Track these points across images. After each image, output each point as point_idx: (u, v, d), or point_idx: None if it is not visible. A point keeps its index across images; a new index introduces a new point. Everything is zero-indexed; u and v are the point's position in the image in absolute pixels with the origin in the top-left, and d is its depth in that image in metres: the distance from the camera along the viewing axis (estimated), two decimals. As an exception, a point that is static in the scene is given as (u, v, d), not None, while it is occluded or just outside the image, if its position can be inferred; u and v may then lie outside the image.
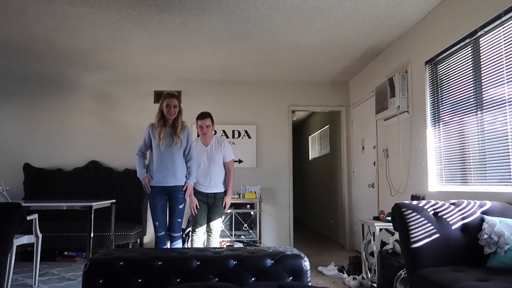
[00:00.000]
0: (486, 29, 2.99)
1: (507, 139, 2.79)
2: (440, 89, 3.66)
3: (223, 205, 4.07)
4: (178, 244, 3.66)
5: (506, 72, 2.79)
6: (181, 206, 3.65)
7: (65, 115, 6.08)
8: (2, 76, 5.99)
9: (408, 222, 2.40)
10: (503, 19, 2.80)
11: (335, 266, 4.38)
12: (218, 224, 4.09)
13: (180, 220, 3.65)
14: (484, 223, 2.36)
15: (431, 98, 3.81)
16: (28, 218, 3.41)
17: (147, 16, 3.91)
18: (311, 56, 5.11)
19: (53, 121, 6.06)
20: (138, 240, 5.49)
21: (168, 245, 3.72)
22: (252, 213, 5.60)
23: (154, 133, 3.62)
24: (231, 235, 5.51)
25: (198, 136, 4.15)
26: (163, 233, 3.63)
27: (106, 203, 4.37)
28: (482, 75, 3.06)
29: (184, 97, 6.04)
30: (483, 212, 2.48)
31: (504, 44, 2.82)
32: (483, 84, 3.05)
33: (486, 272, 2.11)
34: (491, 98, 2.97)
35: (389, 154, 4.73)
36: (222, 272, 1.84)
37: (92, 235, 3.86)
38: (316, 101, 6.31)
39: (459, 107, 3.36)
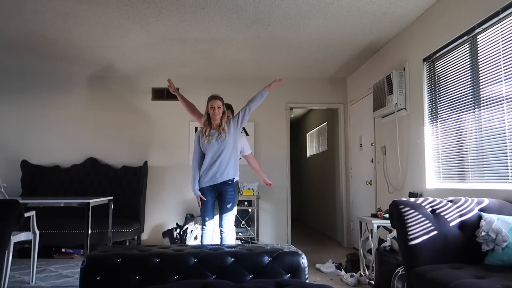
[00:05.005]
0: (483, 26, 2.99)
1: (505, 136, 2.79)
2: (438, 87, 3.66)
3: None
4: (227, 238, 3.81)
5: (504, 70, 2.79)
6: (228, 206, 3.78)
7: (63, 111, 6.06)
8: (-1, 72, 5.97)
9: (406, 219, 2.41)
10: (501, 16, 2.80)
11: (333, 263, 4.39)
12: None
13: (228, 217, 3.79)
14: (481, 220, 2.37)
15: (428, 95, 3.81)
16: (26, 215, 3.41)
17: (144, 13, 3.89)
18: (308, 53, 5.10)
19: (50, 118, 6.04)
20: (136, 237, 5.49)
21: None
22: (249, 210, 5.60)
23: (201, 135, 3.81)
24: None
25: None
26: (209, 228, 3.81)
27: (103, 200, 4.36)
28: (480, 72, 3.06)
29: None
30: (481, 209, 2.49)
31: (502, 41, 2.82)
32: (480, 81, 3.05)
33: (484, 270, 2.11)
34: (488, 95, 2.97)
35: (386, 151, 4.74)
36: (219, 269, 1.84)
37: (89, 232, 3.85)
38: (313, 98, 6.30)
39: (457, 104, 3.36)
